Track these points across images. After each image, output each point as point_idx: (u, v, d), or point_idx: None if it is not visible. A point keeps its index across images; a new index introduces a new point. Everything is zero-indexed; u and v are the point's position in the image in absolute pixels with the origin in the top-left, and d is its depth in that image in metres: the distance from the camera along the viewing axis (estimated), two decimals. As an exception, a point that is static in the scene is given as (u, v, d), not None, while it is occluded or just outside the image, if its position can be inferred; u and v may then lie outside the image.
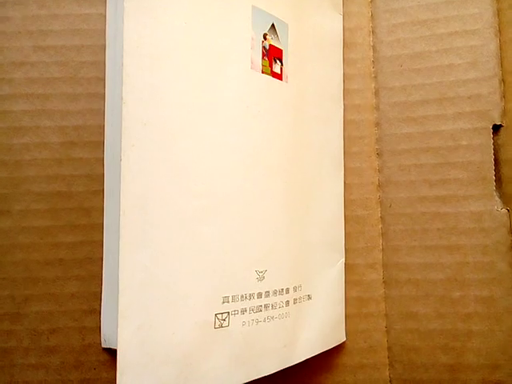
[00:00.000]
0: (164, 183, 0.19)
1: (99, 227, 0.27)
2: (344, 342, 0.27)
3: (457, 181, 0.27)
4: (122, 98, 0.19)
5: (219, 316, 0.20)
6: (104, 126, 0.27)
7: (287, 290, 0.23)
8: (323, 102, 0.27)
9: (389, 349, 0.27)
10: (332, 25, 0.28)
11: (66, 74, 0.28)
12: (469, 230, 0.26)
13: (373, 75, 0.29)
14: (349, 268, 0.28)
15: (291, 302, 0.24)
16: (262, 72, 0.23)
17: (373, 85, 0.29)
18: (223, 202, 0.21)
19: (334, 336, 0.27)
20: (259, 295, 0.22)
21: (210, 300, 0.20)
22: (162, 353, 0.19)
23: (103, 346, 0.26)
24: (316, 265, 0.26)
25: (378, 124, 0.29)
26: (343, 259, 0.28)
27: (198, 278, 0.20)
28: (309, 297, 0.25)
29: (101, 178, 0.27)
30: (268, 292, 0.22)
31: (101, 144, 0.27)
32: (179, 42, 0.20)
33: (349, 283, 0.28)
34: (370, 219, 0.28)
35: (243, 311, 0.21)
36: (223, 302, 0.21)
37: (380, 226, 0.28)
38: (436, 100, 0.27)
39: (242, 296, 0.21)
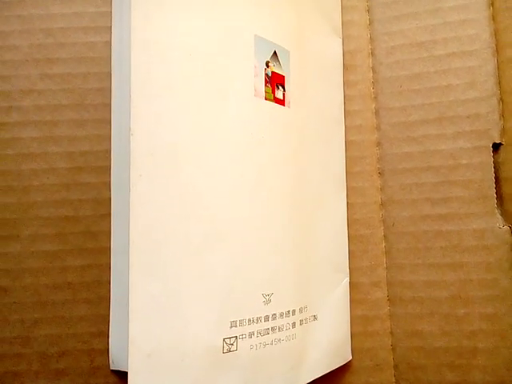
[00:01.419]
0: (171, 211, 0.20)
1: (106, 251, 0.27)
2: (350, 361, 0.27)
3: (458, 199, 0.27)
4: (129, 129, 0.19)
5: (227, 340, 0.21)
6: (110, 150, 0.28)
7: (293, 312, 0.24)
8: (325, 125, 0.27)
9: (395, 367, 0.27)
10: (332, 48, 0.29)
11: (73, 100, 0.29)
12: (472, 248, 0.27)
13: (373, 96, 0.29)
14: (353, 287, 0.28)
15: (297, 324, 0.24)
16: (265, 99, 0.24)
17: (373, 105, 0.29)
18: (229, 226, 0.21)
19: (340, 355, 0.27)
20: (266, 318, 0.22)
21: (218, 325, 0.20)
22: (171, 379, 0.19)
23: (111, 368, 0.27)
24: (321, 285, 0.26)
25: (379, 144, 0.29)
26: (348, 278, 0.28)
27: (206, 303, 0.20)
28: (315, 317, 0.25)
29: (107, 202, 0.28)
30: (275, 315, 0.22)
31: (107, 169, 0.28)
32: (184, 74, 0.21)
33: (354, 302, 0.28)
34: (374, 238, 0.28)
35: (251, 335, 0.21)
36: (231, 327, 0.21)
37: (383, 245, 0.28)
38: (435, 120, 0.28)
39: (249, 320, 0.21)
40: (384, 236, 0.28)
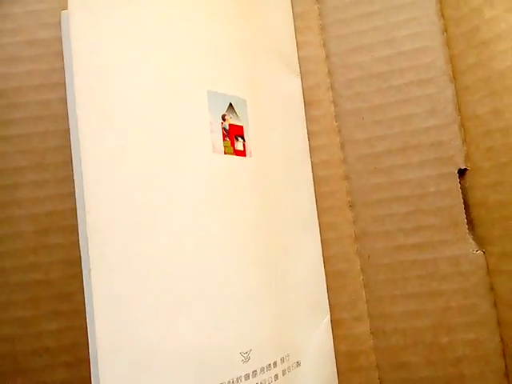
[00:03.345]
0: (133, 281, 0.20)
1: (81, 312, 0.27)
2: (339, 400, 0.27)
3: (430, 227, 0.27)
4: (84, 208, 0.20)
5: None
6: (75, 209, 0.27)
7: (275, 364, 0.23)
8: (290, 165, 0.27)
9: (384, 400, 0.27)
10: (291, 88, 0.28)
11: (32, 161, 0.28)
12: (448, 275, 0.27)
13: (337, 130, 0.29)
14: (336, 323, 0.28)
15: (280, 375, 0.23)
16: (225, 153, 0.23)
17: (338, 139, 0.29)
18: (196, 293, 0.21)
19: None
20: (246, 377, 0.22)
21: None
22: None
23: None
24: (301, 328, 0.26)
25: (347, 177, 0.29)
26: (329, 316, 0.28)
27: (180, 373, 0.20)
28: (298, 364, 0.25)
29: (78, 261, 0.27)
30: (255, 371, 0.22)
31: (74, 227, 0.27)
32: (136, 137, 0.21)
33: (337, 338, 0.28)
34: (351, 272, 0.28)
35: None
36: None
37: (361, 278, 0.28)
38: (400, 149, 0.28)
39: (228, 382, 0.21)
40: (361, 269, 0.28)
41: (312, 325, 0.26)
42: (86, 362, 0.26)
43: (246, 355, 0.22)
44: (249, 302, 0.23)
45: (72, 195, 0.27)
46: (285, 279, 0.25)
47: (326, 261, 0.28)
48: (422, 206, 0.27)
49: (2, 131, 0.28)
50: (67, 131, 0.28)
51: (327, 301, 0.28)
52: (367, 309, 0.28)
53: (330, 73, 0.29)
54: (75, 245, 0.27)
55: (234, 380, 0.21)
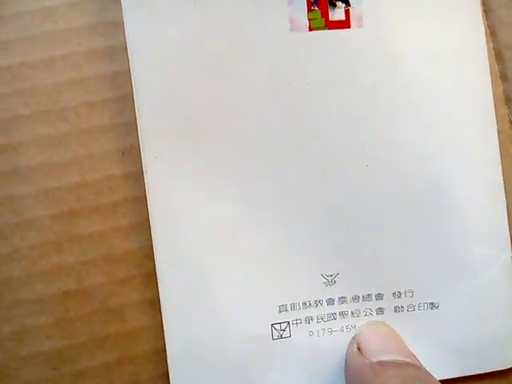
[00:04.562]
0: (193, 192, 0.18)
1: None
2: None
3: None
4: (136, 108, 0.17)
5: (277, 326, 0.19)
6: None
7: (379, 296, 0.19)
8: (452, 35, 0.19)
9: None
10: None
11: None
12: None
13: (488, 31, 0.20)
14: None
15: (389, 310, 0.19)
16: (310, 29, 0.18)
17: (491, 44, 0.20)
18: (267, 200, 0.18)
19: (492, 358, 0.19)
20: (330, 301, 0.19)
21: (263, 311, 0.19)
22: (214, 367, 0.18)
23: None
24: (451, 264, 0.19)
25: (509, 100, 0.20)
26: (509, 252, 0.19)
27: (245, 289, 0.18)
28: (432, 305, 0.19)
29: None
30: (344, 298, 0.19)
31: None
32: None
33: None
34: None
35: (308, 320, 0.19)
36: (280, 312, 0.19)
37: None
38: None
39: (303, 303, 0.19)
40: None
41: (475, 261, 0.19)
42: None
43: (329, 278, 0.19)
44: (346, 218, 0.19)
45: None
46: (434, 192, 0.19)
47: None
48: None
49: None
50: None
51: (507, 232, 0.19)
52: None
53: None
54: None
55: (312, 303, 0.19)
